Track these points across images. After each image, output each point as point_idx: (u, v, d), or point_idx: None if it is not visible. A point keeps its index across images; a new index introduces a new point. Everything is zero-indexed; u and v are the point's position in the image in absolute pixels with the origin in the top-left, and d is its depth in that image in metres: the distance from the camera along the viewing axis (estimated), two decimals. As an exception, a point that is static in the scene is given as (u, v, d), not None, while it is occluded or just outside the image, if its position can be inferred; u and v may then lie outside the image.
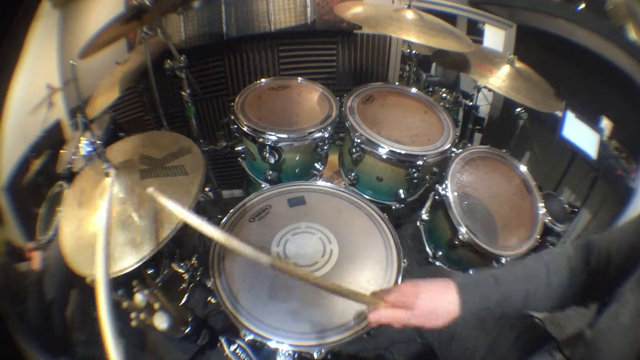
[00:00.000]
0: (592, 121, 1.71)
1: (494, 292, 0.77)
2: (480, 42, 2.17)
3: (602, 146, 1.68)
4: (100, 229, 0.88)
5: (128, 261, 0.96)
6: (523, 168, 1.55)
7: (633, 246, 0.68)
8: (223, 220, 1.23)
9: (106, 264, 0.80)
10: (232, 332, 1.12)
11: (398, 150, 1.44)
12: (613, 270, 0.71)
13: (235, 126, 1.57)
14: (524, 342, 0.90)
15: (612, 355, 0.61)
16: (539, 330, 0.93)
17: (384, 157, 1.45)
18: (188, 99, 1.63)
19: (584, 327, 0.70)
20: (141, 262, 0.96)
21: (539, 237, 1.40)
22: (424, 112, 1.74)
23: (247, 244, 0.72)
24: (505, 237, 1.52)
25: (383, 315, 0.78)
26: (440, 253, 1.54)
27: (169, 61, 1.52)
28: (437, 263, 1.56)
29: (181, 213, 0.77)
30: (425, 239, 1.62)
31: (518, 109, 1.72)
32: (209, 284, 1.05)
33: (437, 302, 0.76)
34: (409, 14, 1.57)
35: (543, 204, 1.46)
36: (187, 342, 1.27)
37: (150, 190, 0.84)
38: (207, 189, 1.91)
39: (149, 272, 1.41)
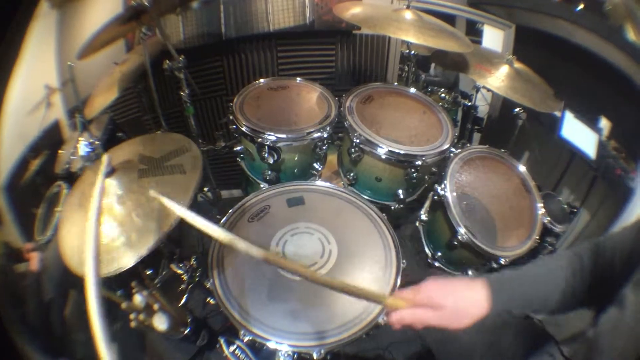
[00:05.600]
0: (591, 121, 1.72)
1: (519, 293, 0.75)
2: (479, 42, 2.17)
3: (601, 146, 1.68)
4: (91, 220, 0.85)
5: (124, 260, 0.96)
6: (522, 168, 1.55)
7: (633, 249, 0.68)
8: (222, 221, 1.23)
9: (96, 263, 0.78)
10: (232, 332, 1.11)
11: (397, 150, 1.44)
12: (617, 273, 0.70)
13: (234, 126, 1.57)
14: (523, 343, 0.90)
15: (614, 356, 0.61)
16: (538, 330, 0.93)
17: (383, 157, 1.45)
18: (187, 99, 1.63)
19: (584, 327, 0.70)
20: (138, 260, 0.96)
21: (538, 237, 1.40)
22: (422, 112, 1.74)
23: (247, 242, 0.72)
24: (504, 238, 1.52)
25: (406, 316, 0.74)
26: (439, 254, 1.54)
27: (167, 61, 1.52)
28: (436, 264, 1.56)
29: (181, 212, 0.79)
30: (424, 239, 1.63)
31: (517, 109, 1.72)
32: (208, 285, 1.05)
33: (466, 302, 0.73)
34: (408, 15, 1.57)
35: (542, 204, 1.46)
36: (187, 342, 1.27)
37: (152, 192, 0.87)
38: (205, 189, 1.90)
39: (148, 272, 1.41)
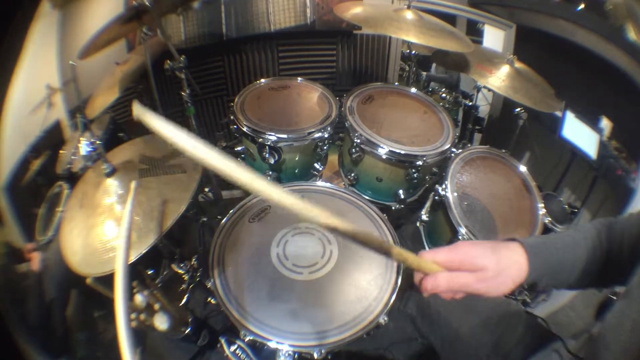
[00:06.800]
0: (592, 121, 1.72)
1: (553, 257, 0.70)
2: (480, 42, 2.17)
3: (602, 146, 1.68)
4: (121, 241, 0.85)
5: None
6: (523, 168, 1.55)
7: None
8: (223, 221, 1.23)
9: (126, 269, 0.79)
10: (232, 332, 1.11)
11: (398, 151, 1.44)
12: (624, 257, 0.70)
13: (235, 126, 1.57)
14: (528, 342, 0.89)
15: (620, 352, 0.60)
16: (542, 329, 0.93)
17: (384, 157, 1.45)
18: (187, 99, 1.63)
19: (588, 326, 0.70)
20: (138, 257, 0.96)
21: (538, 237, 1.39)
22: (423, 112, 1.74)
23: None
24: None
25: (443, 280, 0.64)
26: (440, 253, 1.54)
27: (168, 61, 1.52)
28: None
29: (173, 133, 0.50)
30: (425, 239, 1.62)
31: (518, 109, 1.72)
32: (209, 285, 1.05)
33: (508, 261, 0.66)
34: (409, 15, 1.57)
35: (543, 205, 1.46)
36: (187, 342, 1.27)
37: (135, 106, 0.55)
38: (206, 190, 1.90)
39: (149, 272, 1.41)
